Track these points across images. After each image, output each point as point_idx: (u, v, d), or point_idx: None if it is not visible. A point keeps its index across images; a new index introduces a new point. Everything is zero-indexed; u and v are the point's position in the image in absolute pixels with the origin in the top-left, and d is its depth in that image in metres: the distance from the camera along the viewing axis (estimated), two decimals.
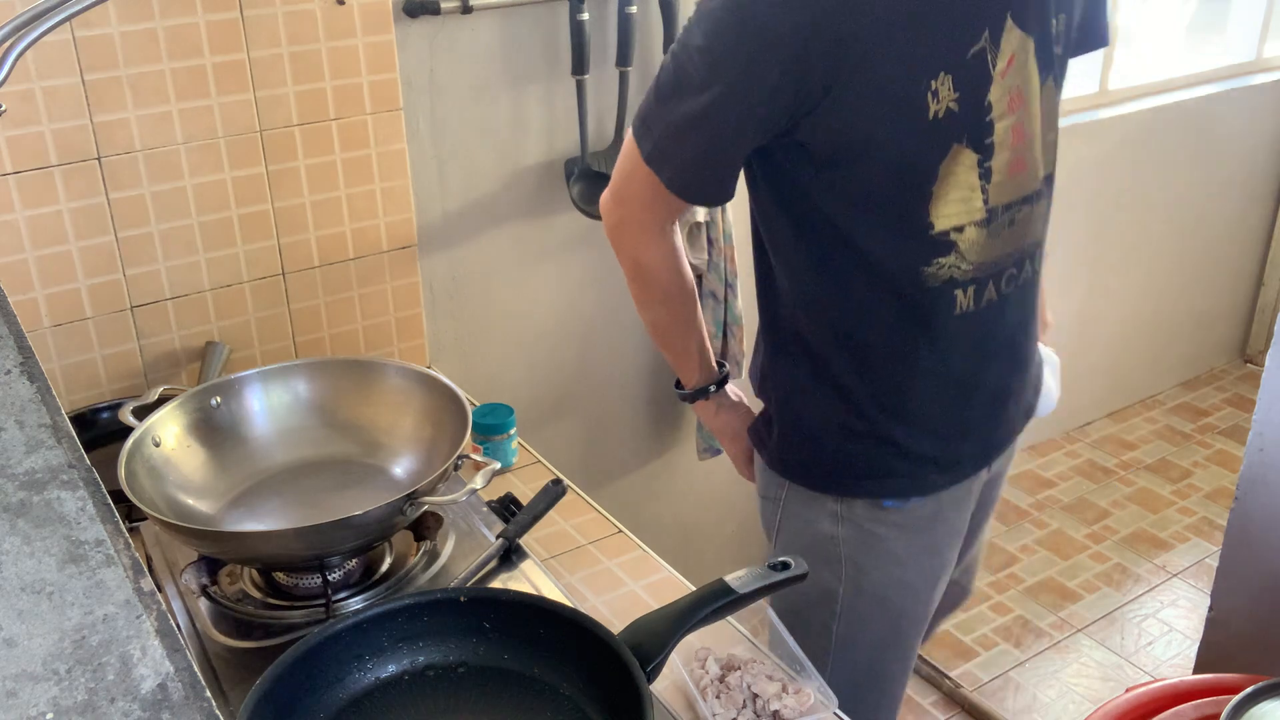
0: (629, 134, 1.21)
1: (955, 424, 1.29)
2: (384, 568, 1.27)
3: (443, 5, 1.67)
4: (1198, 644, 1.80)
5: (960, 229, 1.16)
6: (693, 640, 1.09)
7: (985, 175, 1.15)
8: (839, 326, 1.24)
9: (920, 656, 2.37)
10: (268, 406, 1.36)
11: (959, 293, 1.19)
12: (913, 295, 1.19)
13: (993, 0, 1.11)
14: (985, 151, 1.15)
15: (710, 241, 2.04)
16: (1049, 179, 1.24)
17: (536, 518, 1.36)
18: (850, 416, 1.27)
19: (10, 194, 1.42)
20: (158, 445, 1.25)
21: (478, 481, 1.17)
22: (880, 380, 1.25)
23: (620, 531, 1.45)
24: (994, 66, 1.12)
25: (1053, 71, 1.19)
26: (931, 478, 1.30)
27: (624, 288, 2.08)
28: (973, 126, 1.13)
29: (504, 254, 1.92)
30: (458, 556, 1.29)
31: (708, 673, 1.16)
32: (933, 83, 1.09)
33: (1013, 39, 1.13)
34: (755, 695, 1.13)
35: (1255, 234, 3.44)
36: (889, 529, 1.32)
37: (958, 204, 1.15)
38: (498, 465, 1.22)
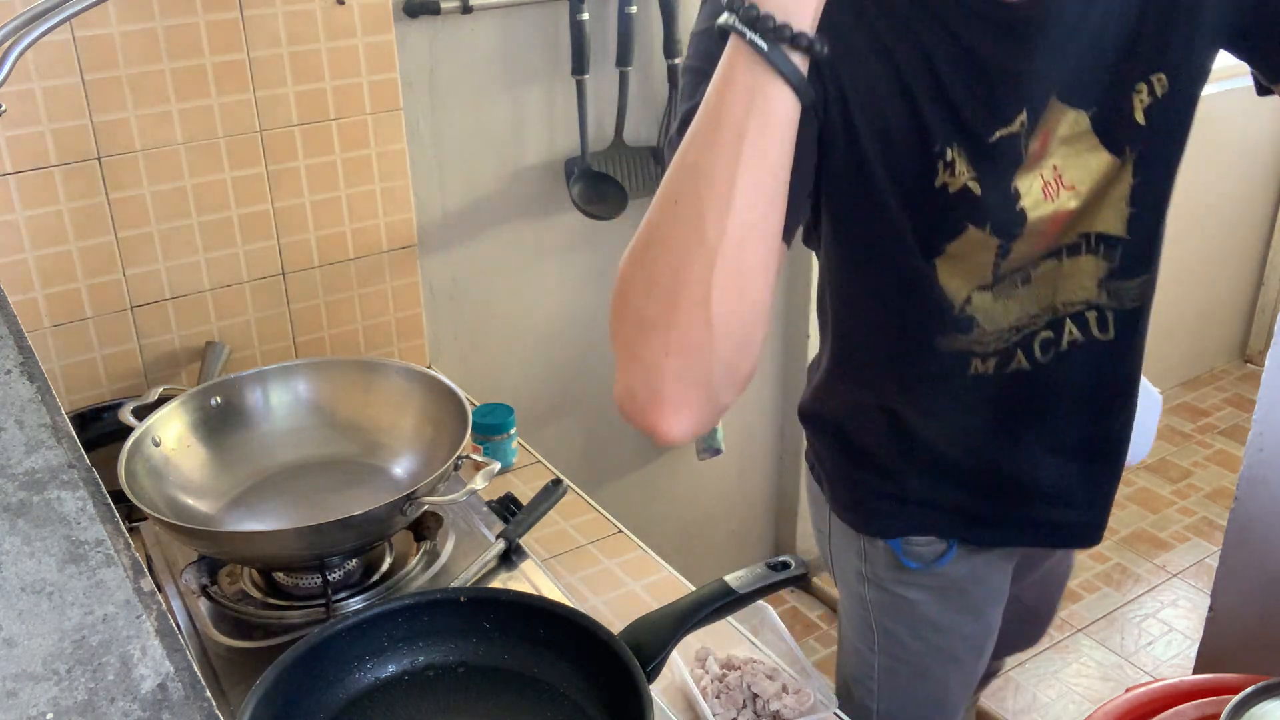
0: None
1: (971, 481, 1.15)
2: (384, 568, 1.26)
3: (443, 5, 1.67)
4: (1198, 644, 1.80)
5: (968, 299, 1.04)
6: (693, 640, 1.09)
7: (1003, 254, 1.02)
8: (858, 354, 1.15)
9: None
10: (268, 406, 1.36)
11: (975, 360, 1.07)
12: (921, 361, 1.08)
13: (1035, 78, 0.95)
14: (1009, 238, 1.01)
15: None
16: (1106, 240, 1.04)
17: (536, 518, 1.36)
18: (867, 443, 1.18)
19: (10, 194, 1.42)
20: (158, 445, 1.25)
21: (478, 481, 1.17)
22: (896, 414, 1.14)
23: (620, 531, 1.45)
24: (1026, 150, 0.97)
25: (1132, 145, 1.00)
26: (943, 524, 1.18)
27: None
28: (998, 212, 0.99)
29: (504, 254, 1.92)
30: (458, 556, 1.29)
31: (708, 673, 1.16)
32: (948, 150, 0.96)
33: (1055, 117, 0.97)
34: (755, 695, 1.13)
35: (1255, 234, 3.44)
36: (919, 592, 1.21)
37: (963, 274, 1.02)
38: (498, 465, 1.22)
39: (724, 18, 0.76)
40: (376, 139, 1.66)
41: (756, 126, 0.75)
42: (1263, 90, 1.07)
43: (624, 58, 1.86)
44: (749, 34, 0.75)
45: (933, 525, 1.18)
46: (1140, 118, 0.99)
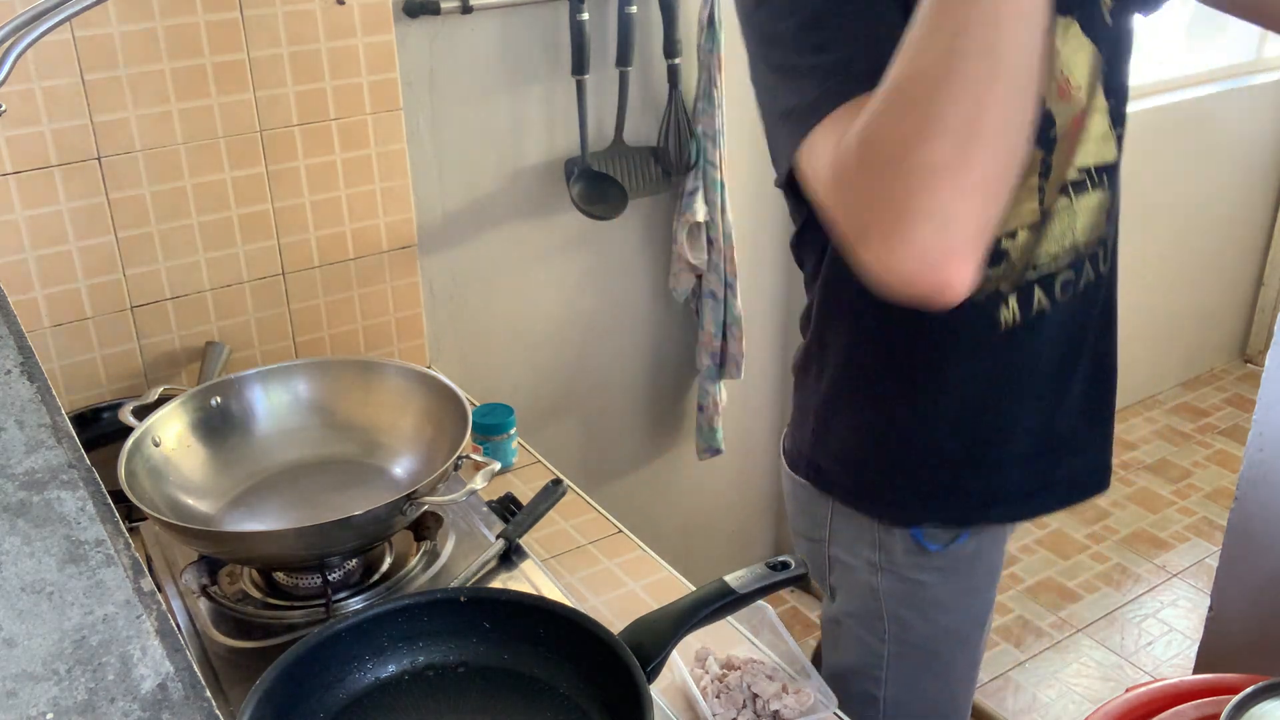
0: (797, 155, 0.88)
1: (995, 453, 1.16)
2: (384, 568, 1.27)
3: (443, 5, 1.67)
4: (1198, 644, 1.80)
5: (1013, 234, 1.03)
6: (693, 640, 1.09)
7: (1045, 172, 1.02)
8: (873, 340, 1.14)
9: None
10: (268, 406, 1.36)
11: (1004, 307, 1.07)
12: (947, 322, 1.03)
13: None
14: (1048, 146, 1.01)
15: (710, 241, 2.04)
16: (1106, 170, 1.09)
17: (536, 518, 1.36)
18: (886, 431, 1.17)
19: (10, 194, 1.42)
20: (158, 445, 1.25)
21: (478, 481, 1.17)
22: (915, 398, 1.14)
23: (620, 531, 1.45)
24: None
25: (1104, 45, 1.04)
26: (969, 511, 1.19)
27: (623, 287, 2.10)
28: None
29: (504, 254, 1.92)
30: (458, 556, 1.29)
31: (708, 673, 1.16)
32: None
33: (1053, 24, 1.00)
34: (755, 695, 1.13)
35: (1255, 234, 3.44)
36: (932, 574, 1.22)
37: (1014, 205, 1.01)
38: (498, 465, 1.22)
39: None
40: (376, 139, 1.66)
41: None
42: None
43: (624, 58, 1.86)
44: None
45: (956, 513, 1.19)
46: (1108, 18, 1.05)
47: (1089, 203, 1.08)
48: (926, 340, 1.10)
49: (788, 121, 0.89)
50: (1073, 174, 1.05)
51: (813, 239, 1.15)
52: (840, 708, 1.14)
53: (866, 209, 0.77)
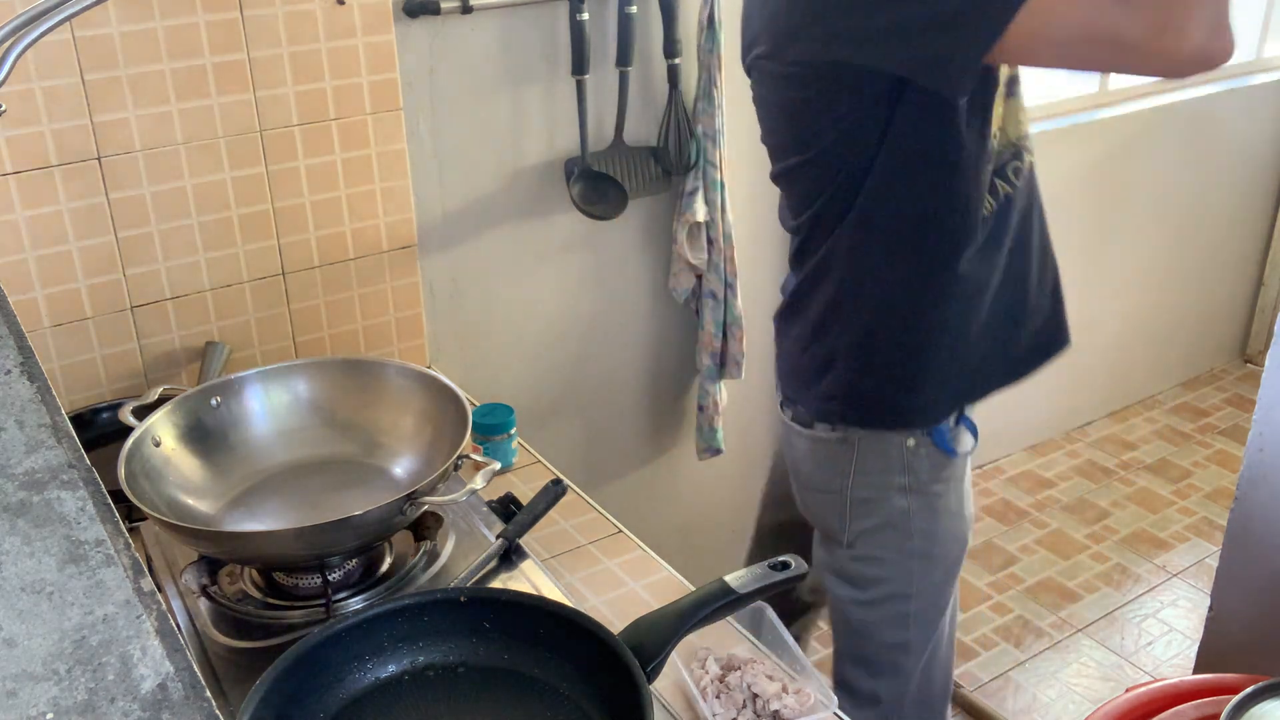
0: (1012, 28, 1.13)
1: (994, 330, 1.38)
2: (384, 568, 1.27)
3: (443, 5, 1.67)
4: (1198, 644, 1.80)
5: (995, 132, 1.29)
6: (693, 640, 1.09)
7: (1009, 81, 1.30)
8: (903, 269, 1.33)
9: None
10: (268, 406, 1.36)
11: (986, 199, 1.31)
12: (973, 212, 1.29)
13: None
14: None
15: (710, 241, 2.04)
16: (1017, 77, 1.37)
17: (536, 518, 1.36)
18: (918, 343, 1.36)
19: (10, 194, 1.42)
20: (158, 445, 1.25)
21: (478, 481, 1.17)
22: (939, 304, 1.34)
23: (620, 531, 1.45)
24: None
25: None
26: (989, 383, 1.42)
27: (623, 287, 2.10)
28: None
29: (504, 254, 1.92)
30: (458, 556, 1.29)
31: (708, 673, 1.16)
32: None
33: None
34: (755, 695, 1.13)
35: (1255, 234, 3.44)
36: (946, 485, 1.44)
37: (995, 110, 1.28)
38: (498, 465, 1.22)
39: None
40: (376, 139, 1.66)
41: None
42: None
43: (624, 58, 1.86)
44: None
45: (978, 389, 1.42)
46: None
47: (1018, 102, 1.33)
48: (944, 251, 1.30)
49: (974, 12, 1.13)
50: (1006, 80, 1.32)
51: (838, 209, 1.32)
52: (870, 635, 1.21)
53: (1158, 9, 1.06)
